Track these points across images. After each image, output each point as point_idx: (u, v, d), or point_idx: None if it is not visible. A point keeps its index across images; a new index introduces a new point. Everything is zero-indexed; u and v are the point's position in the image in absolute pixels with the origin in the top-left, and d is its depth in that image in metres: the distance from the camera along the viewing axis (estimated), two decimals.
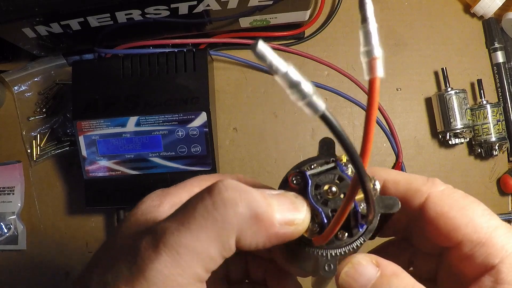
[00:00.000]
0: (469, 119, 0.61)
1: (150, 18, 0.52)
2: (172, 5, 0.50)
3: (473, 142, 0.63)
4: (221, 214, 0.20)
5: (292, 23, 0.62)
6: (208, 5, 0.51)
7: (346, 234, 0.24)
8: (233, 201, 0.20)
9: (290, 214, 0.22)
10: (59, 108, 0.64)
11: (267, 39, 0.63)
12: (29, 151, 0.63)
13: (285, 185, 0.25)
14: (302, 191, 0.24)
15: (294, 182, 0.25)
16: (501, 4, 0.62)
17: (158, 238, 0.21)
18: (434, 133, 0.64)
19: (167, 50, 0.59)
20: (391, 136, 0.63)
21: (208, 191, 0.21)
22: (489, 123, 0.61)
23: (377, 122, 0.63)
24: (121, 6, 0.49)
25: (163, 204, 0.25)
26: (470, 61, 0.66)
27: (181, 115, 0.55)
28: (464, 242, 0.24)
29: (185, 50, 0.57)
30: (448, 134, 0.61)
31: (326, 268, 0.23)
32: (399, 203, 0.24)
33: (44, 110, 0.64)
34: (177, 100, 0.55)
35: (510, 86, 0.64)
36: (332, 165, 0.25)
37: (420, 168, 0.64)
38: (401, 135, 0.64)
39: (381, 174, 0.27)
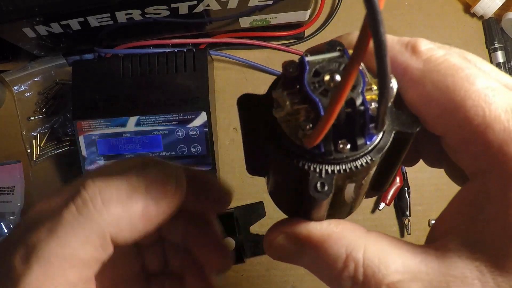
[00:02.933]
0: None
1: (150, 18, 0.52)
2: (172, 5, 0.50)
3: None
4: (84, 216, 0.21)
5: (292, 23, 0.62)
6: (208, 5, 0.51)
7: (349, 145, 0.18)
8: (95, 203, 0.21)
9: (156, 199, 0.22)
10: (59, 108, 0.64)
11: (267, 39, 0.63)
12: (29, 151, 0.63)
13: (278, 81, 0.20)
14: (298, 79, 0.19)
15: (290, 70, 0.19)
16: (501, 4, 0.62)
17: (30, 250, 0.20)
18: None
19: (167, 50, 0.59)
20: None
21: (72, 197, 0.21)
22: None
23: None
24: (121, 6, 0.49)
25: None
26: None
27: (181, 115, 0.55)
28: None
29: (185, 50, 0.57)
30: None
31: (319, 187, 0.18)
32: (419, 122, 0.19)
33: (44, 110, 0.64)
34: (177, 100, 0.55)
35: None
36: (337, 53, 0.19)
37: (420, 168, 0.63)
38: None
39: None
